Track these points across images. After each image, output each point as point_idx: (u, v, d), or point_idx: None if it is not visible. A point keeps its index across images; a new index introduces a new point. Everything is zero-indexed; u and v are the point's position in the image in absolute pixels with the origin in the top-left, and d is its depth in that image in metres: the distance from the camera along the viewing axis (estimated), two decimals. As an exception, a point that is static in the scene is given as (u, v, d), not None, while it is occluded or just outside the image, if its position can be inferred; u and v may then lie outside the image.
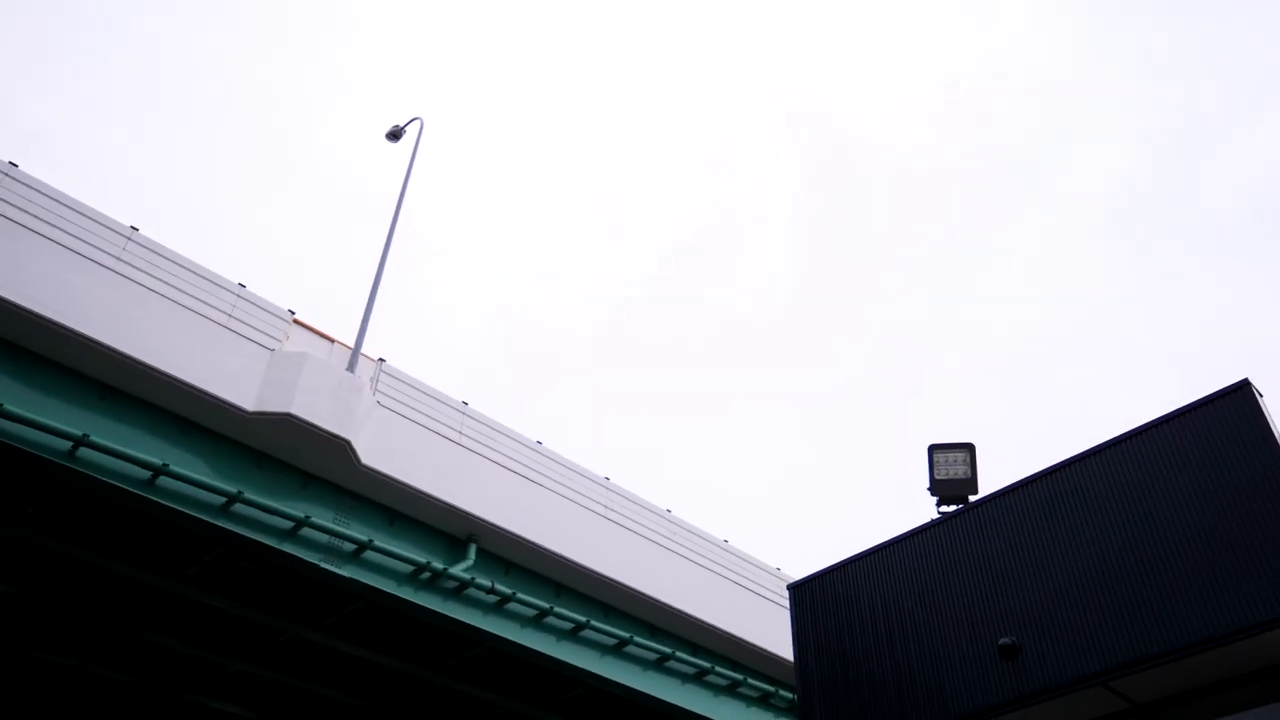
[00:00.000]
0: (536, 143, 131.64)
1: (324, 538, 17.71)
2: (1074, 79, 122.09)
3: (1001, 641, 11.64)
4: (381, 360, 19.52)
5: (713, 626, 23.01)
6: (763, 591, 24.83)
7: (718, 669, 23.18)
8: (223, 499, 16.55)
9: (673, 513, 23.90)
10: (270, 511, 16.86)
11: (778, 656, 23.90)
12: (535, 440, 21.65)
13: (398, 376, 19.60)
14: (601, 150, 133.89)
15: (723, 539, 24.83)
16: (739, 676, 23.63)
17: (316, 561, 17.47)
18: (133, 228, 16.66)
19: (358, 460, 17.84)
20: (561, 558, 20.51)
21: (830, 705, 13.61)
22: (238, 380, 16.88)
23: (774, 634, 24.29)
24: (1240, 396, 11.33)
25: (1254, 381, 11.30)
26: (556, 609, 20.40)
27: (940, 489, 13.80)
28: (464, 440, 20.05)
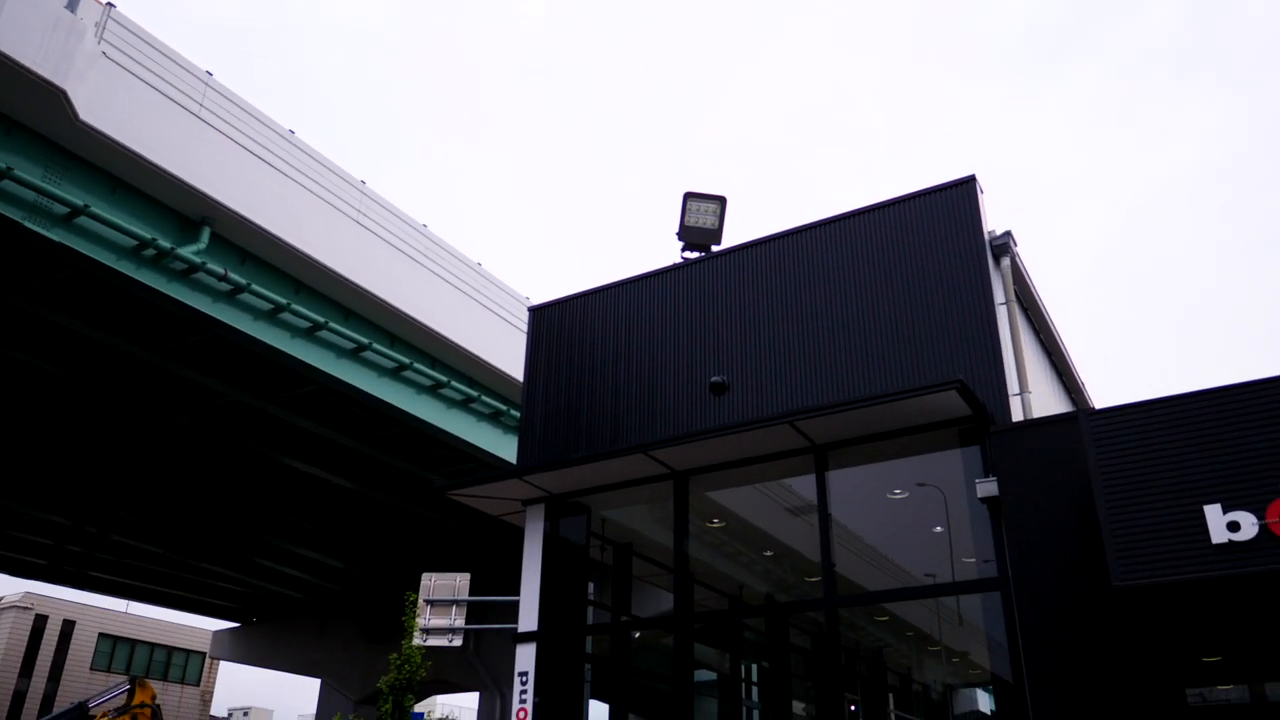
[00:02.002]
0: None
1: (30, 195, 15.98)
2: None
3: (712, 379, 12.65)
4: (110, 4, 17.03)
5: (453, 343, 23.40)
6: (508, 317, 25.35)
7: (453, 384, 23.84)
8: (-99, 131, 14.40)
9: (429, 228, 23.45)
10: (-38, 155, 14.91)
11: (514, 379, 24.84)
12: (288, 129, 20.14)
13: (130, 28, 17.26)
14: None
15: (477, 261, 24.82)
16: (473, 393, 24.46)
17: (20, 219, 15.82)
18: None
19: (75, 114, 15.89)
20: (304, 254, 19.76)
21: (550, 424, 14.44)
22: (-78, -8, 14.25)
23: (514, 358, 25.09)
24: (964, 190, 12.32)
25: (980, 180, 12.28)
26: (294, 305, 19.89)
27: (688, 235, 14.27)
28: (205, 114, 18.30)
